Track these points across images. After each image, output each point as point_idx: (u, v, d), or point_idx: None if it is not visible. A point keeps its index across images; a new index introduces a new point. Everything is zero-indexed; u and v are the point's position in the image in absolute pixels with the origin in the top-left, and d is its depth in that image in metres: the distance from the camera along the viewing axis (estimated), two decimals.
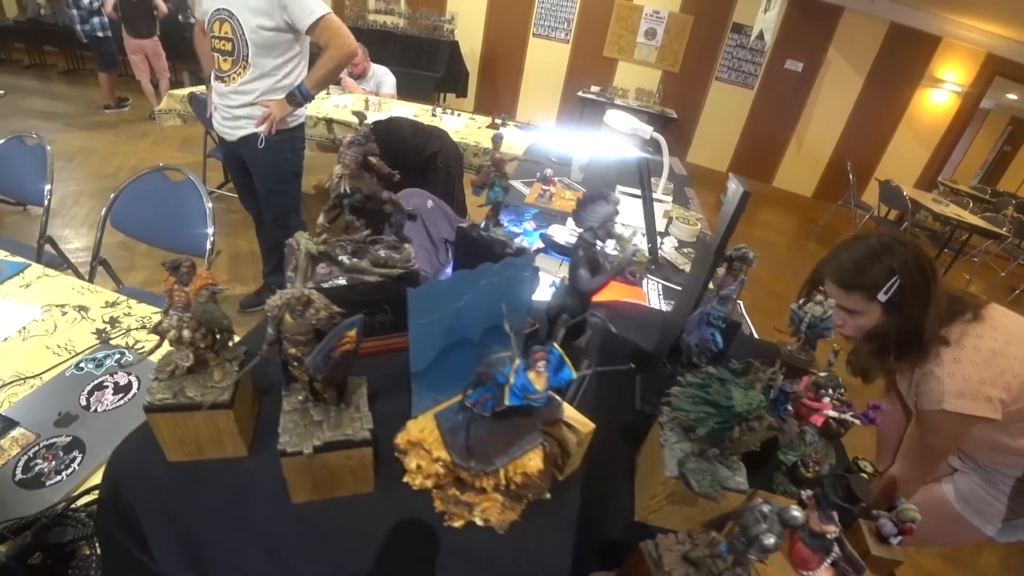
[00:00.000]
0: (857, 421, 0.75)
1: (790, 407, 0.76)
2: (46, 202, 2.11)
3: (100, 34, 5.92)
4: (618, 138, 2.59)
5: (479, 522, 0.64)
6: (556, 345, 0.60)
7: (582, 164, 2.89)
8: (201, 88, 3.44)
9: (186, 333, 0.64)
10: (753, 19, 6.49)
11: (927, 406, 1.14)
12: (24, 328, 1.27)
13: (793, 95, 7.15)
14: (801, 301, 1.02)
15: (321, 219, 0.80)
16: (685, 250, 2.15)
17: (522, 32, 7.52)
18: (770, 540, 0.46)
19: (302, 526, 0.55)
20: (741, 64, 7.11)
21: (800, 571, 0.66)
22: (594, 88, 7.38)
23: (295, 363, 0.61)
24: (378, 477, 0.68)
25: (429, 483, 0.65)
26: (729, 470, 0.68)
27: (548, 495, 0.69)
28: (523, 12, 7.40)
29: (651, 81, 7.29)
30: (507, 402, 0.57)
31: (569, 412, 0.70)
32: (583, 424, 0.69)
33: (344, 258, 0.79)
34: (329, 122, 3.45)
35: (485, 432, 0.61)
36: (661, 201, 2.29)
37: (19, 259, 1.56)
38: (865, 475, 0.81)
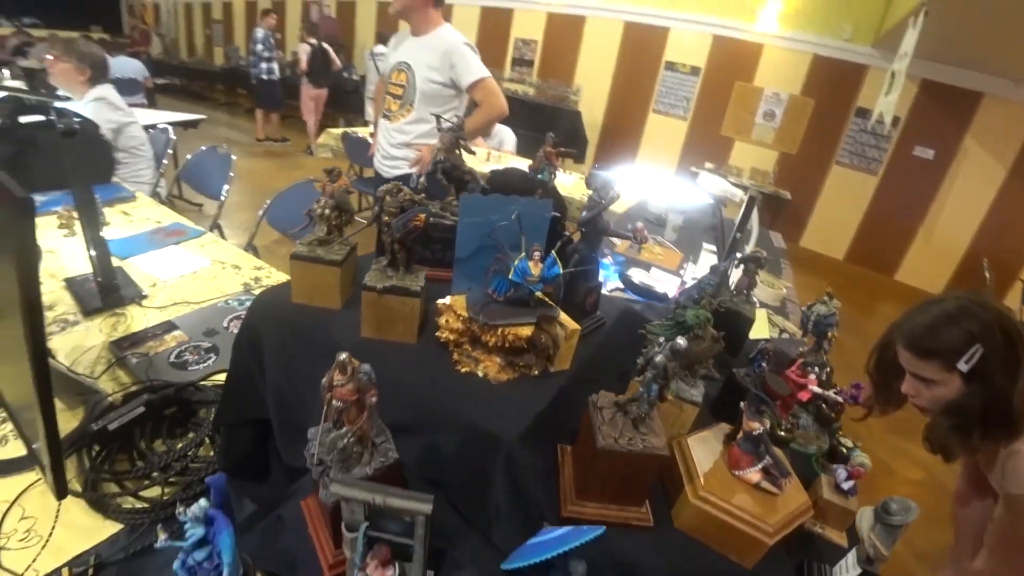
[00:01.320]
0: (839, 398, 0.83)
1: (764, 363, 0.89)
2: (223, 196, 2.67)
3: (265, 77, 7.36)
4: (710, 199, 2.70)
5: (480, 373, 0.87)
6: (554, 253, 0.82)
7: (676, 224, 3.01)
8: (353, 129, 4.07)
9: (327, 212, 0.99)
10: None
11: (1016, 490, 1.01)
12: (195, 272, 1.75)
13: (922, 183, 6.75)
14: (809, 304, 1.08)
15: (421, 179, 1.09)
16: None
17: (642, 107, 7.88)
18: (659, 357, 0.70)
19: (362, 353, 0.76)
20: (864, 149, 6.88)
21: (734, 471, 0.79)
22: (708, 165, 7.48)
23: (386, 228, 0.90)
24: (420, 336, 0.94)
25: (452, 336, 0.88)
26: (688, 387, 0.89)
27: (536, 372, 0.89)
28: (645, 89, 7.79)
29: (767, 161, 7.26)
30: (511, 277, 0.78)
31: (561, 315, 0.90)
32: (571, 324, 0.90)
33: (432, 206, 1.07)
34: None
35: (496, 308, 0.83)
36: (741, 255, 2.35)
37: (201, 228, 2.10)
38: (845, 449, 0.87)
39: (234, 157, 2.78)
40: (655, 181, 3.62)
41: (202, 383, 1.18)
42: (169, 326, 1.42)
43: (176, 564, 0.63)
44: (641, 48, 7.53)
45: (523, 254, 0.78)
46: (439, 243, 1.06)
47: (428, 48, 2.46)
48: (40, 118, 1.99)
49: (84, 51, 2.53)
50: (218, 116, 8.42)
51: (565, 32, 8.03)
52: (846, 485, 0.83)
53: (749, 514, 0.75)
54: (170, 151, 3.29)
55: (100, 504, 0.88)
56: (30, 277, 0.57)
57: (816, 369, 0.84)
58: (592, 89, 8.01)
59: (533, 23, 8.23)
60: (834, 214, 7.34)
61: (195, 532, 0.62)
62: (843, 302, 1.08)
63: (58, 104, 1.76)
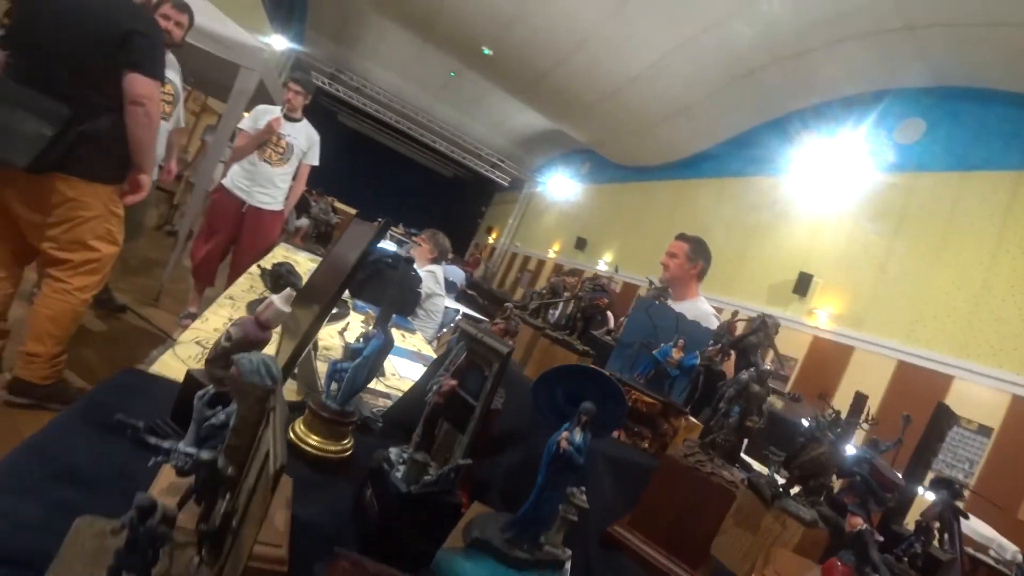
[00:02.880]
0: None
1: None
2: None
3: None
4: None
5: None
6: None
7: None
8: None
9: None
10: None
11: None
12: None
13: None
14: None
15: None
16: None
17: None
18: (744, 374, 0.77)
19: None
20: None
21: None
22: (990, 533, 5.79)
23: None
24: None
25: None
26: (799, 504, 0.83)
27: (645, 445, 0.98)
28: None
29: None
30: (655, 353, 1.00)
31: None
32: (693, 421, 0.96)
33: None
34: None
35: (637, 383, 1.02)
36: None
37: None
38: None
39: None
40: None
41: None
42: None
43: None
44: (915, 392, 6.85)
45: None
46: None
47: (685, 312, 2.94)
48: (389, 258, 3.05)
49: (439, 241, 3.79)
50: None
51: (829, 357, 7.90)
52: None
53: None
54: (452, 326, 4.33)
55: None
56: None
57: None
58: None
59: (797, 341, 8.33)
60: None
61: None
62: None
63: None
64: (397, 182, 20.73)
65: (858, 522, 0.69)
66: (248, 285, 2.23)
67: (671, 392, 1.01)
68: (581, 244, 12.85)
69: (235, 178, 3.72)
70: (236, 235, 3.79)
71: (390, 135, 18.84)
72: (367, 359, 0.85)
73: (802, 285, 7.17)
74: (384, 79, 14.52)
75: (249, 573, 0.49)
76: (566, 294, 1.59)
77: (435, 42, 10.77)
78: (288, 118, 3.73)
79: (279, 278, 2.18)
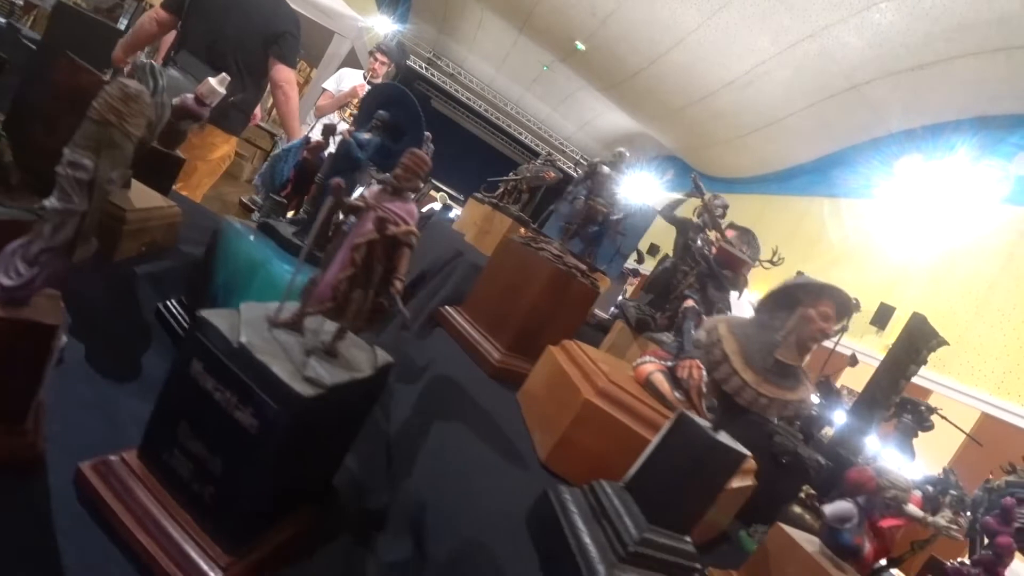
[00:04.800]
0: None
1: None
2: None
3: None
4: None
5: None
6: None
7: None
8: None
9: None
10: None
11: None
12: None
13: None
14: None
15: None
16: None
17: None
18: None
19: None
20: None
21: None
22: None
23: None
24: None
25: None
26: None
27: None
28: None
29: None
30: None
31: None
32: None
33: None
34: None
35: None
36: None
37: None
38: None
39: None
40: None
41: None
42: None
43: None
44: (995, 448, 6.19)
45: None
46: None
47: None
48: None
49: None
50: None
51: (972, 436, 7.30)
52: None
53: None
54: None
55: None
56: None
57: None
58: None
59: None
60: None
61: None
62: None
63: None
64: (481, 169, 21.15)
65: (689, 303, 0.77)
66: None
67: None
68: (654, 251, 12.60)
69: (314, 136, 4.03)
70: None
71: (478, 123, 19.28)
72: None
73: (881, 317, 6.68)
74: (478, 68, 14.87)
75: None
76: (514, 173, 1.87)
77: (529, 34, 10.90)
78: (371, 84, 3.97)
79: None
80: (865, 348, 6.92)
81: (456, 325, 1.13)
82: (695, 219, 1.50)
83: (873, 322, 6.84)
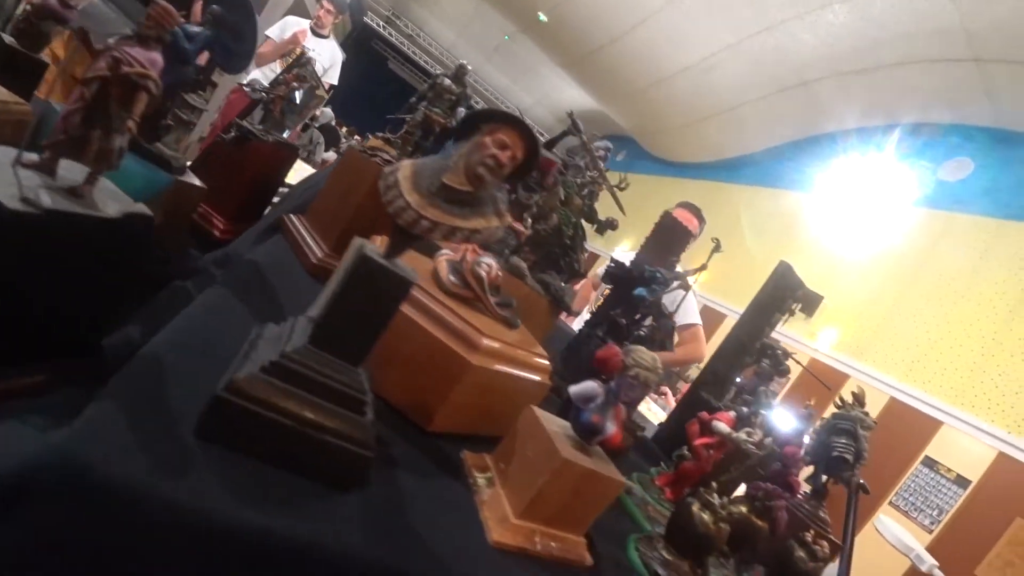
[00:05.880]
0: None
1: None
2: None
3: None
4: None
5: None
6: None
7: None
8: None
9: None
10: None
11: None
12: None
13: None
14: None
15: None
16: None
17: (875, 496, 6.77)
18: None
19: None
20: None
21: None
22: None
23: None
24: None
25: None
26: None
27: None
28: (887, 478, 6.79)
29: None
30: None
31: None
32: None
33: None
34: None
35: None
36: None
37: None
38: None
39: None
40: None
41: None
42: None
43: None
44: (897, 430, 6.79)
45: None
46: None
47: None
48: None
49: None
50: None
51: (821, 379, 7.84)
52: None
53: None
54: None
55: None
56: None
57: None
58: None
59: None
60: None
61: None
62: None
63: None
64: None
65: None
66: None
67: None
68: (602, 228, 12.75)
69: (255, 84, 3.80)
70: None
71: None
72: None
73: (809, 304, 7.04)
74: (438, 31, 14.38)
75: None
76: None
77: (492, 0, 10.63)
78: (316, 34, 3.73)
79: None
80: (790, 332, 7.34)
81: (292, 229, 1.15)
82: (579, 162, 1.54)
83: (802, 309, 7.20)
